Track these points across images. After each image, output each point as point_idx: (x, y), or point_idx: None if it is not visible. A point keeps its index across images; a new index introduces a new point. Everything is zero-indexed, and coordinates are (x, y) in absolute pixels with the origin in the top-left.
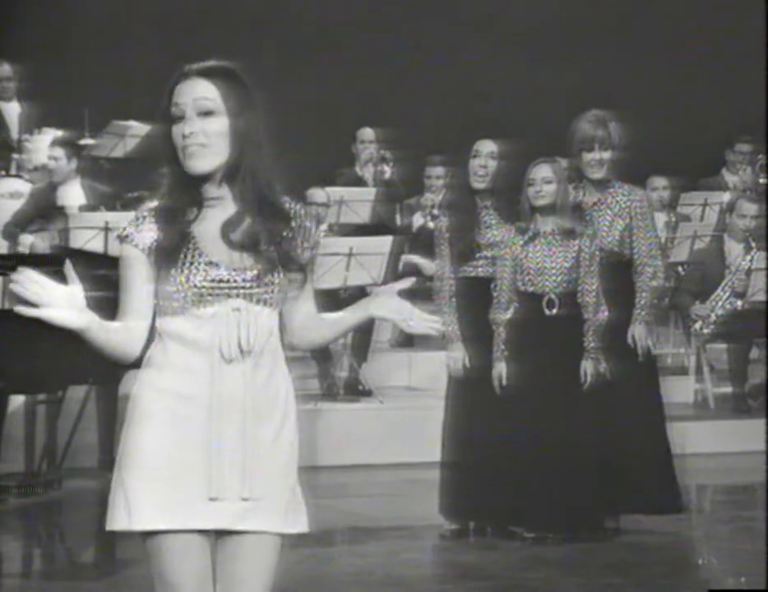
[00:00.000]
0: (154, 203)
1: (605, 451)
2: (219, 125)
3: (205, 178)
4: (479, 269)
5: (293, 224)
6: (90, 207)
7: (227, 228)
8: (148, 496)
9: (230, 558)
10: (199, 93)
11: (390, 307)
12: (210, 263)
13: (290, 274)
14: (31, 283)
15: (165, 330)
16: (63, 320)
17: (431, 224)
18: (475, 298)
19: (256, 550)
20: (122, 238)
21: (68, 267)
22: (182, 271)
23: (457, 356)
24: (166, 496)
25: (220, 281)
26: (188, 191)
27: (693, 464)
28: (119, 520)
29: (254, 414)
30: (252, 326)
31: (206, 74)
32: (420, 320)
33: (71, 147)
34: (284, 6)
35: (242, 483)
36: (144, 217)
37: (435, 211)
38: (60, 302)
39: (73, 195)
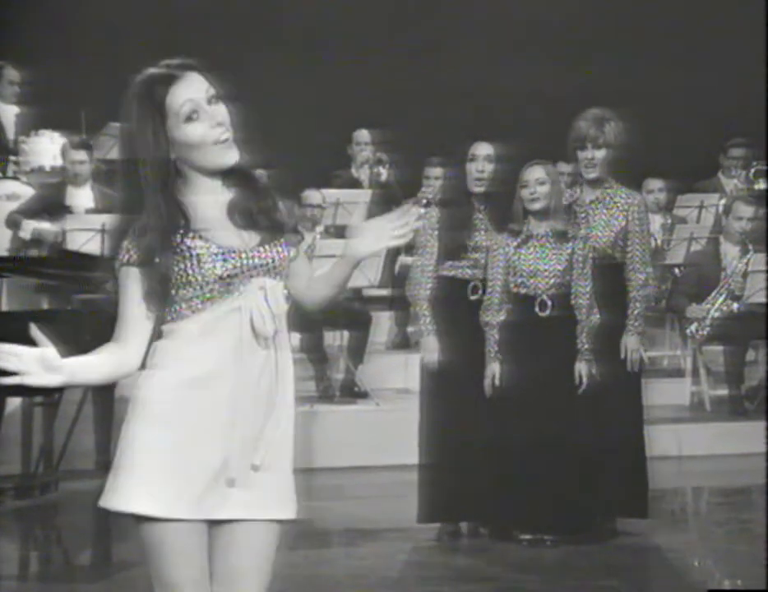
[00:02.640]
0: (145, 217)
1: (597, 453)
2: (227, 112)
3: (210, 174)
4: (459, 270)
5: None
6: (97, 212)
7: (233, 209)
8: (157, 482)
9: (228, 549)
10: (204, 84)
11: (370, 242)
12: (227, 250)
13: (290, 240)
14: (6, 354)
15: (187, 329)
16: (42, 382)
17: (420, 210)
18: (452, 298)
19: (256, 539)
20: (123, 262)
21: (34, 330)
22: (201, 267)
23: (432, 347)
24: (174, 486)
25: (242, 265)
26: (181, 191)
27: (689, 466)
28: (120, 500)
29: (272, 395)
30: (276, 302)
31: (193, 68)
32: (401, 224)
33: (92, 150)
34: (281, 8)
35: (261, 456)
36: (139, 232)
37: (425, 199)
38: (35, 367)
39: (83, 197)
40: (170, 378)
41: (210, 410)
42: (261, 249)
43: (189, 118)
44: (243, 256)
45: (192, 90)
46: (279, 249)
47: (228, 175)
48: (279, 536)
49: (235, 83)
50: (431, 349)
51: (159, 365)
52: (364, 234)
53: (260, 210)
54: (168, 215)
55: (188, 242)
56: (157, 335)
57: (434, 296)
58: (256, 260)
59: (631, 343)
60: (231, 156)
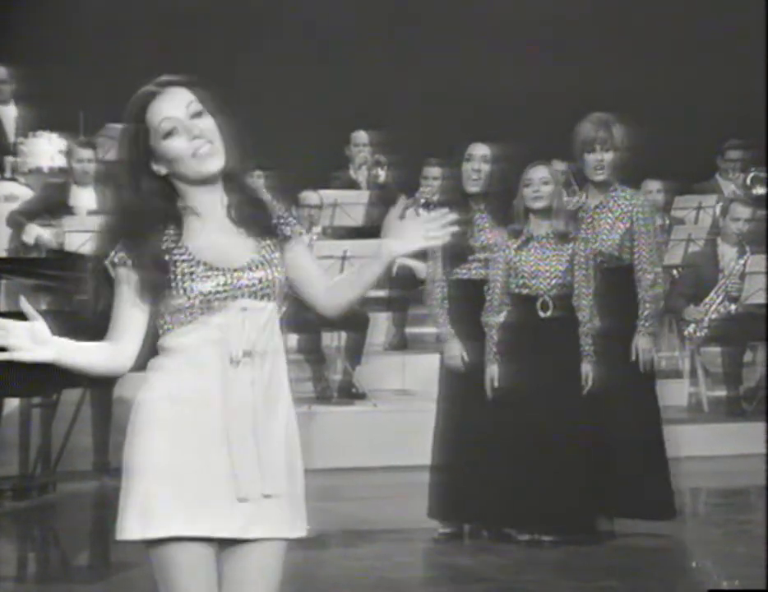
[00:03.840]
0: (133, 232)
1: (599, 455)
2: (210, 122)
3: (203, 184)
4: (472, 271)
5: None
6: (99, 213)
7: (232, 210)
8: (164, 504)
9: (238, 566)
10: (186, 98)
11: (406, 242)
12: (212, 268)
13: (288, 250)
14: None
15: (173, 345)
16: (33, 357)
17: (421, 212)
18: (468, 300)
19: (264, 557)
20: (114, 264)
21: (24, 303)
22: (185, 283)
23: (455, 353)
24: (182, 504)
25: (225, 284)
26: (171, 205)
27: (687, 467)
28: (132, 529)
29: (264, 413)
30: (257, 325)
31: (178, 84)
32: (435, 227)
33: (96, 150)
34: (278, 10)
35: (263, 482)
36: (131, 236)
37: (423, 200)
38: (25, 341)
39: (87, 197)
40: (166, 397)
41: (206, 429)
42: (249, 270)
43: (168, 134)
44: (228, 275)
45: (171, 107)
46: (268, 271)
47: (224, 189)
48: (286, 552)
49: (232, 85)
50: (453, 353)
51: (155, 383)
52: (401, 234)
53: (255, 219)
54: (154, 222)
55: (177, 254)
56: (153, 350)
57: (451, 299)
58: (242, 281)
59: (642, 343)
60: (210, 164)
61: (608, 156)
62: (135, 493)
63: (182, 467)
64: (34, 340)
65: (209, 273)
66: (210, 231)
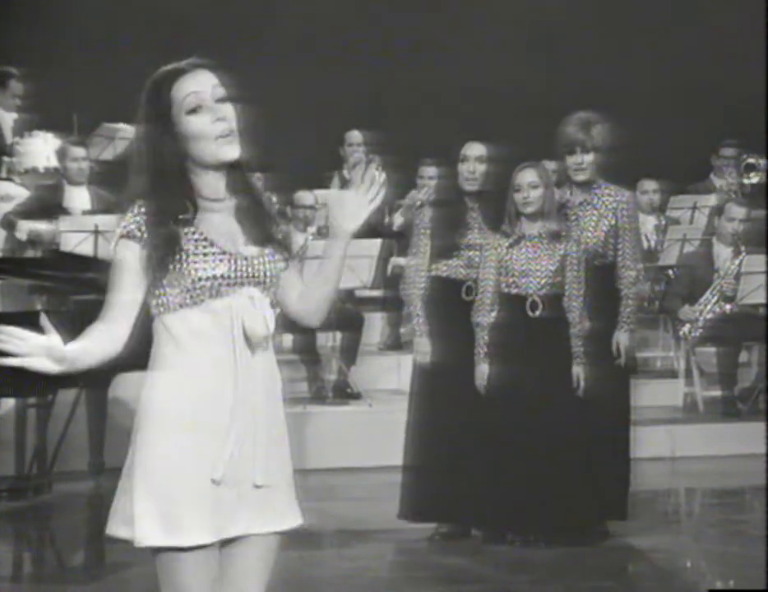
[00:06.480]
0: (148, 202)
1: (587, 454)
2: (232, 110)
3: (215, 170)
4: (453, 270)
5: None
6: (93, 213)
7: (243, 213)
8: (184, 511)
9: (237, 560)
10: (212, 80)
11: (353, 215)
12: (223, 253)
13: (282, 254)
14: (10, 336)
15: (177, 327)
16: (43, 368)
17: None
18: (445, 298)
19: (261, 550)
20: (123, 235)
21: (44, 319)
22: (195, 263)
23: (424, 348)
24: (200, 509)
25: (236, 270)
26: (186, 186)
27: (682, 467)
28: (155, 536)
29: (266, 403)
30: (263, 314)
31: (205, 67)
32: (369, 185)
33: (88, 150)
34: (272, 9)
35: (263, 471)
36: (142, 214)
37: (418, 202)
38: (39, 351)
39: (80, 198)
40: (177, 394)
41: (217, 425)
42: (256, 260)
43: (192, 110)
44: (237, 262)
45: (197, 84)
46: (273, 265)
47: (232, 179)
48: (280, 543)
49: (227, 85)
50: (423, 350)
51: (166, 378)
52: (344, 211)
53: (257, 220)
54: (173, 202)
55: (188, 234)
56: (149, 329)
57: (428, 296)
58: (249, 269)
59: (623, 340)
60: (230, 151)
61: (588, 158)
62: (150, 496)
63: (196, 467)
64: (50, 357)
65: (221, 256)
66: (223, 215)
